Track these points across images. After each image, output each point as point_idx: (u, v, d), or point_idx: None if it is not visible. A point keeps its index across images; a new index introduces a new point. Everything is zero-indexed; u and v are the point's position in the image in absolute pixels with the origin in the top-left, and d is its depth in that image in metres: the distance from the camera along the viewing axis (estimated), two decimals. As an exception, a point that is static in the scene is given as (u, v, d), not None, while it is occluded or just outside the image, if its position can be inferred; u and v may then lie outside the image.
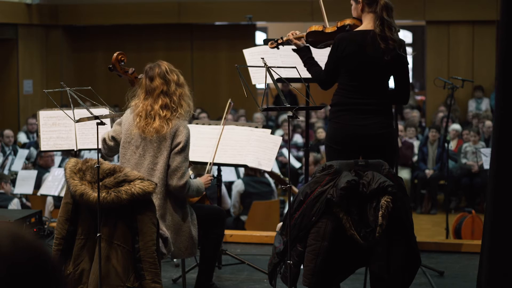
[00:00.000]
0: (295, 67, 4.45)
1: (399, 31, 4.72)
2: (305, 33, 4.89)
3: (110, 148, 4.53)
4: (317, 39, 4.87)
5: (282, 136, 11.90)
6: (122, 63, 4.69)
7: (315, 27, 4.88)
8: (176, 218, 4.43)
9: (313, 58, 4.83)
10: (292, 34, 4.90)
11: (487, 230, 3.79)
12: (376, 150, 4.58)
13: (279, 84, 4.52)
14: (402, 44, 4.60)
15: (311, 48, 4.90)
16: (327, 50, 4.79)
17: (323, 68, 4.75)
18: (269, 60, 4.78)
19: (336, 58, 4.64)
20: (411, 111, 13.67)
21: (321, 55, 4.90)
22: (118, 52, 4.68)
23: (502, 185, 3.70)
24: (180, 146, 4.37)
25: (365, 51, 4.57)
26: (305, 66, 4.83)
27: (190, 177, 4.52)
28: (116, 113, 4.35)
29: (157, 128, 4.35)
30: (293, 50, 4.90)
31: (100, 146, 4.43)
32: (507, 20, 3.69)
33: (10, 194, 8.03)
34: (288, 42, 4.92)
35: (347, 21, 4.77)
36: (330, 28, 4.83)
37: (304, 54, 4.84)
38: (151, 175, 4.34)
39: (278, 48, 4.98)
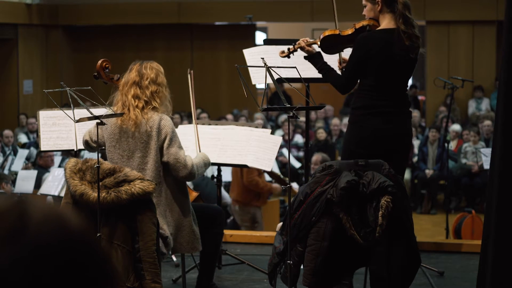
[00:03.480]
0: (295, 67, 4.45)
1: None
2: (318, 39, 4.76)
3: (92, 149, 4.56)
4: (333, 43, 4.74)
5: (283, 136, 11.91)
6: (107, 70, 4.68)
7: (330, 31, 4.74)
8: (176, 214, 4.41)
9: (326, 63, 4.71)
10: (303, 41, 4.75)
11: (490, 232, 3.77)
12: (398, 153, 4.57)
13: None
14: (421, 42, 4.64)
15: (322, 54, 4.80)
16: (336, 55, 4.75)
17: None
18: (269, 60, 4.78)
19: (360, 58, 4.54)
20: (411, 110, 13.67)
21: (334, 60, 4.86)
22: (102, 59, 4.67)
23: (507, 186, 3.68)
24: (168, 139, 4.35)
25: (392, 50, 4.52)
26: (320, 72, 4.71)
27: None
28: (116, 113, 4.34)
29: (133, 118, 4.34)
30: (305, 58, 4.77)
31: (82, 146, 4.53)
32: (511, 20, 3.67)
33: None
34: (296, 50, 4.80)
35: (365, 22, 4.65)
36: (347, 31, 4.70)
37: (318, 61, 4.71)
38: (144, 174, 4.33)
39: (289, 57, 4.82)
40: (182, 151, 4.41)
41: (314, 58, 4.74)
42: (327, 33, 4.75)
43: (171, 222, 4.39)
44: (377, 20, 4.63)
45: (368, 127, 4.58)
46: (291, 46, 4.82)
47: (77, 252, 1.12)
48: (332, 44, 4.75)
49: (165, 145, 4.36)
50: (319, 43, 4.75)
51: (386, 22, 4.58)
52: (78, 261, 1.12)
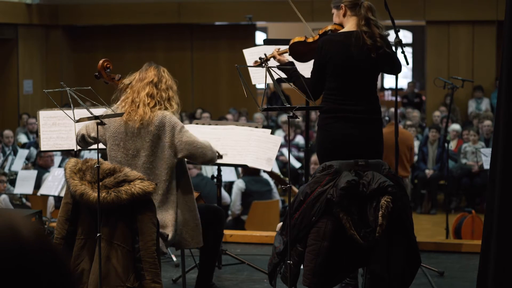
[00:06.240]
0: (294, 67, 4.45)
1: (387, 34, 4.72)
2: (287, 47, 4.83)
3: (87, 144, 4.53)
4: (302, 51, 4.79)
5: (285, 136, 11.91)
6: (108, 70, 4.68)
7: (298, 38, 4.82)
8: (182, 209, 4.38)
9: (297, 71, 4.72)
10: (276, 51, 4.85)
11: (491, 231, 3.77)
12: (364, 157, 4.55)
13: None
14: (387, 41, 4.62)
15: (295, 62, 4.83)
16: (311, 62, 4.76)
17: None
18: (269, 60, 4.79)
19: (320, 63, 4.59)
20: (412, 111, 13.68)
21: (309, 67, 4.86)
22: (103, 59, 4.67)
23: (509, 186, 3.67)
24: (177, 131, 4.34)
25: (350, 51, 4.54)
26: (290, 80, 4.72)
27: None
28: (116, 113, 4.34)
29: (141, 115, 4.33)
30: (277, 67, 4.78)
31: (77, 140, 4.50)
32: (511, 20, 3.66)
33: (7, 193, 8.03)
34: (269, 59, 4.85)
35: (329, 27, 4.72)
36: (312, 38, 4.77)
37: (288, 69, 4.74)
38: (150, 173, 4.33)
39: (262, 67, 4.86)
40: (195, 137, 4.42)
41: (285, 67, 4.76)
42: (295, 39, 4.83)
43: (179, 217, 4.37)
44: (342, 25, 4.68)
45: (331, 131, 4.61)
46: (263, 56, 4.87)
47: (28, 260, 1.13)
48: (301, 51, 4.80)
49: (177, 139, 4.33)
50: (288, 50, 4.81)
51: (348, 26, 4.63)
52: (29, 269, 1.12)
